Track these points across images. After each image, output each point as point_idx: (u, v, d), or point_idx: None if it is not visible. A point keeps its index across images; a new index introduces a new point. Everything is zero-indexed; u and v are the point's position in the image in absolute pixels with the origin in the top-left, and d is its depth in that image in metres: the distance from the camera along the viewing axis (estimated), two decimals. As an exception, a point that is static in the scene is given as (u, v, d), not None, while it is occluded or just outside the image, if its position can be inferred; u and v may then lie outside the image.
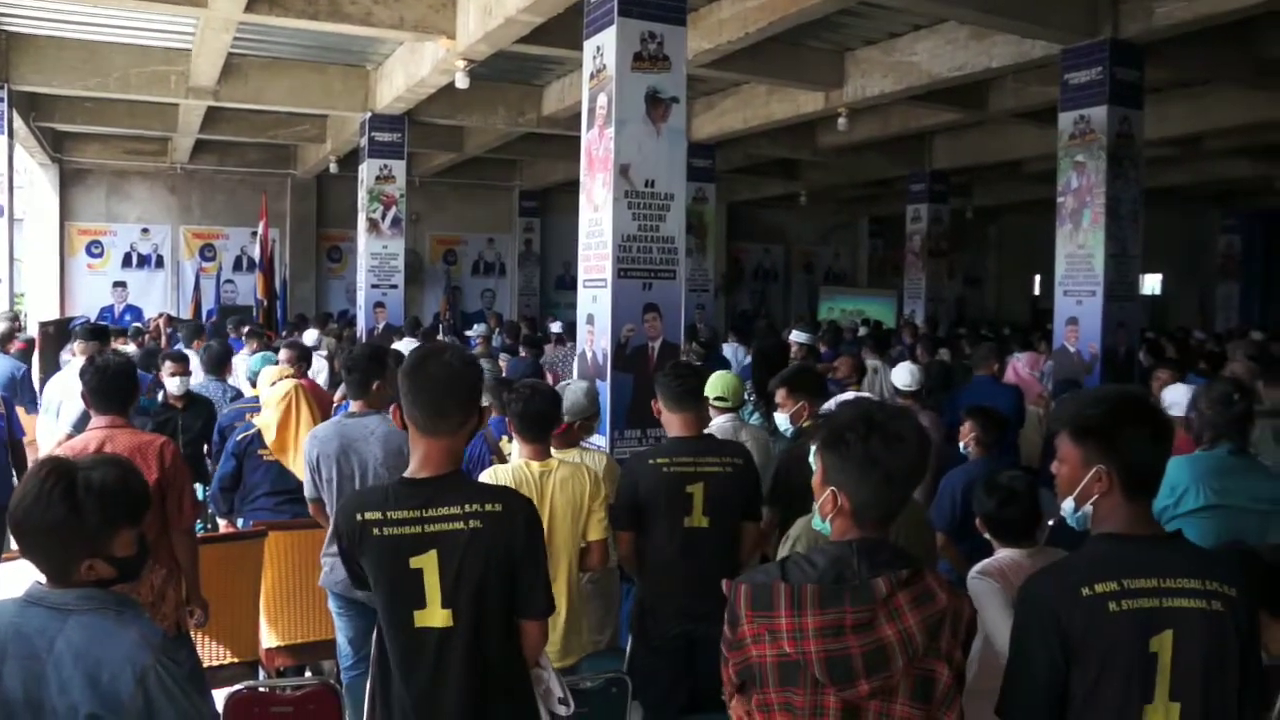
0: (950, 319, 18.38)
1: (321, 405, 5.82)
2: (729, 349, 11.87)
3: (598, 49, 6.59)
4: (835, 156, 16.17)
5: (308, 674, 5.17)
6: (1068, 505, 2.35)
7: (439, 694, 2.63)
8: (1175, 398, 5.21)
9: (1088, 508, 2.30)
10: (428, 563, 2.61)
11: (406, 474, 2.72)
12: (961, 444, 5.34)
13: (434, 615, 2.62)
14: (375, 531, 2.61)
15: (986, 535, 3.54)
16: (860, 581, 1.97)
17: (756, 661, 2.02)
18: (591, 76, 6.68)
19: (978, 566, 3.40)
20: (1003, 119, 13.09)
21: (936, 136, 16.14)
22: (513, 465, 3.94)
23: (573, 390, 4.70)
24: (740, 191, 20.67)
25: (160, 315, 14.18)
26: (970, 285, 25.80)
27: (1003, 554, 3.43)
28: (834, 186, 19.87)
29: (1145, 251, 8.95)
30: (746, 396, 6.05)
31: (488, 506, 2.66)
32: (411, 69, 10.94)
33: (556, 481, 3.82)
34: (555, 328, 13.61)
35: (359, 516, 2.63)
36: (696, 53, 9.28)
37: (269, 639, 5.06)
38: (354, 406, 4.54)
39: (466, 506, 2.64)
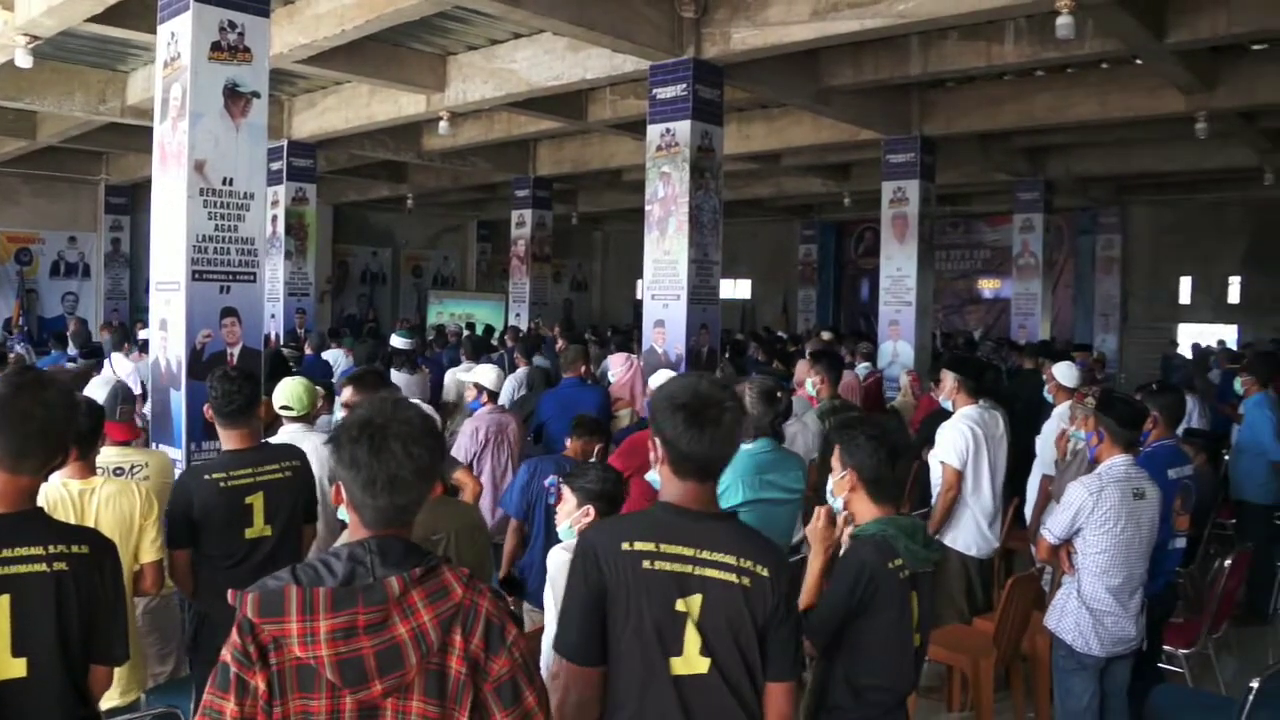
0: (556, 321, 18.88)
1: None
2: (332, 354, 11.49)
3: (172, 35, 6.19)
4: (442, 160, 16.12)
5: None
6: (651, 475, 2.58)
7: None
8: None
9: (654, 475, 2.57)
10: None
11: None
12: None
13: (3, 666, 2.35)
14: None
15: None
16: (374, 580, 1.95)
17: (276, 670, 1.94)
18: (166, 64, 6.26)
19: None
20: (601, 129, 13.59)
21: (540, 143, 16.51)
22: (46, 486, 3.59)
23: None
24: (346, 193, 20.21)
25: None
26: (578, 289, 26.68)
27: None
28: (442, 190, 19.87)
29: (737, 258, 9.56)
30: None
31: (73, 548, 2.45)
32: (-38, 43, 9.80)
33: (101, 500, 3.53)
34: (144, 335, 12.61)
35: None
36: (292, 47, 8.99)
37: None
38: None
39: (50, 548, 2.41)
